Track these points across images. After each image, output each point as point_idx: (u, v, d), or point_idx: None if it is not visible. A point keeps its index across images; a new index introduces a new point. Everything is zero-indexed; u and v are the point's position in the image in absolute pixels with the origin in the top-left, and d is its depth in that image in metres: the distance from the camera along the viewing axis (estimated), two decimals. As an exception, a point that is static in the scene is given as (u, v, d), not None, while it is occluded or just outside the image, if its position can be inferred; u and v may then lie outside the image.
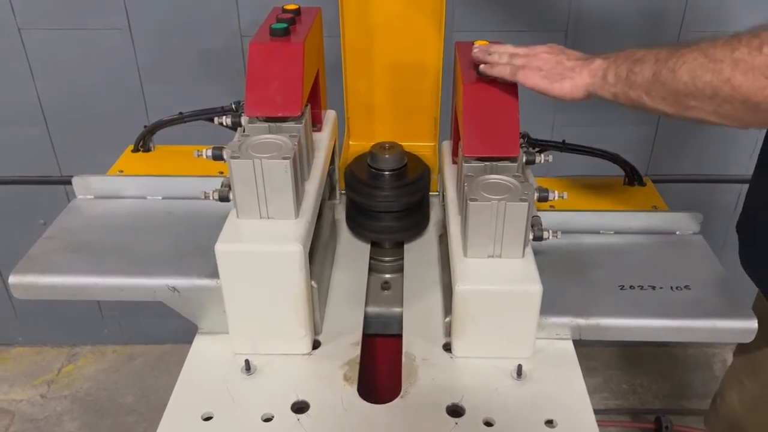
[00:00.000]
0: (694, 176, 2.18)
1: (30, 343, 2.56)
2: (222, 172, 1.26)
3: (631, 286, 1.09)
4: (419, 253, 1.25)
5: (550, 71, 1.00)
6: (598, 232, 1.24)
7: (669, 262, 1.15)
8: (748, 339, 1.02)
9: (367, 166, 1.24)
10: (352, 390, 0.97)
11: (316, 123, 1.25)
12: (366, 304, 1.14)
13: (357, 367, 1.01)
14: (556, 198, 1.02)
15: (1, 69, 1.98)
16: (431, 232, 1.31)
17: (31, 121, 2.07)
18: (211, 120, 1.23)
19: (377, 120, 1.45)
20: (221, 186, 1.01)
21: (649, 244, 1.21)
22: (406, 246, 1.27)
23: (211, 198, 1.01)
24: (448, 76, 1.32)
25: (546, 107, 2.02)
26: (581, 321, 1.02)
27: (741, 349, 1.30)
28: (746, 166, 2.12)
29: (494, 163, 1.03)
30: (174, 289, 1.04)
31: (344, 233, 1.31)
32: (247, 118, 1.07)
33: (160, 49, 1.95)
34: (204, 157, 1.02)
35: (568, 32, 1.91)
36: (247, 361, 1.00)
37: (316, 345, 1.06)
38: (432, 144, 1.45)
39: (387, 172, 1.22)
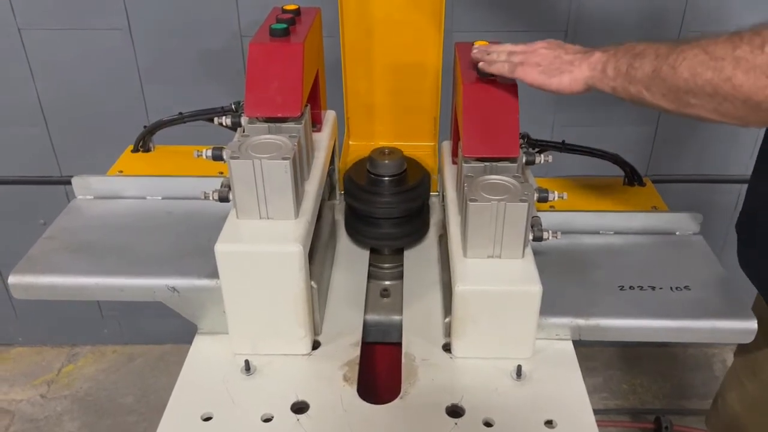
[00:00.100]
0: (693, 176, 2.18)
1: (30, 343, 2.56)
2: (222, 173, 1.26)
3: (630, 287, 1.09)
4: (419, 259, 1.24)
5: (548, 66, 1.00)
6: (597, 233, 1.23)
7: (669, 263, 1.15)
8: (748, 339, 1.02)
9: (366, 172, 1.22)
10: (352, 390, 0.97)
11: (316, 123, 1.25)
12: (365, 312, 1.12)
13: (356, 367, 1.01)
14: (556, 198, 1.02)
15: (1, 69, 1.98)
16: (431, 238, 1.30)
17: (31, 121, 2.07)
18: (211, 120, 1.23)
19: (377, 120, 1.45)
20: (221, 186, 1.01)
21: (649, 245, 1.21)
22: (405, 252, 1.25)
23: (210, 198, 1.01)
24: (448, 76, 1.32)
25: (546, 107, 2.03)
26: (581, 321, 1.02)
27: (741, 350, 1.30)
28: (746, 166, 2.12)
29: (494, 163, 1.03)
30: (174, 289, 1.04)
31: (343, 239, 1.30)
32: (247, 118, 1.07)
33: (160, 49, 1.95)
34: (204, 157, 1.02)
35: (567, 32, 1.91)
36: (246, 362, 1.00)
37: (315, 345, 1.06)
38: (432, 144, 1.45)
39: (386, 178, 1.20)
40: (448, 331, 1.04)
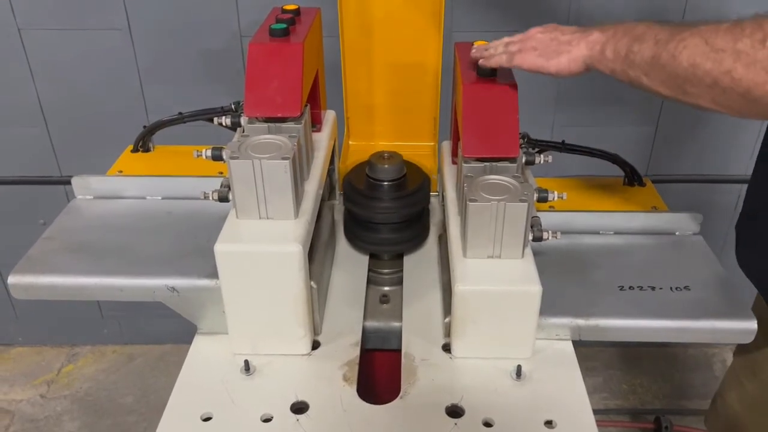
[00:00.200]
0: (693, 176, 2.18)
1: (30, 343, 2.56)
2: (221, 173, 1.26)
3: (630, 287, 1.09)
4: (419, 264, 1.23)
5: (545, 49, 1.00)
6: (597, 233, 1.23)
7: (669, 263, 1.15)
8: (748, 339, 1.02)
9: (365, 176, 1.21)
10: (352, 390, 0.97)
11: (316, 123, 1.25)
12: (364, 318, 1.11)
13: (356, 367, 1.01)
14: (556, 198, 1.02)
15: (1, 69, 1.98)
16: (431, 241, 1.29)
17: (31, 121, 2.07)
18: (211, 120, 1.23)
19: (377, 120, 1.45)
20: (221, 186, 1.01)
21: (649, 245, 1.20)
22: (405, 257, 1.24)
23: (210, 198, 1.01)
24: (447, 76, 1.32)
25: (546, 107, 2.03)
26: (581, 321, 1.02)
27: (741, 350, 1.30)
28: (746, 166, 2.12)
29: (494, 163, 1.03)
30: (173, 289, 1.04)
31: (342, 244, 1.29)
32: (247, 118, 1.07)
33: (160, 49, 1.95)
34: (203, 157, 1.02)
35: (568, 32, 1.91)
36: (246, 362, 1.00)
37: (315, 345, 1.06)
38: (431, 144, 1.45)
39: (386, 183, 1.19)
40: (447, 331, 1.04)
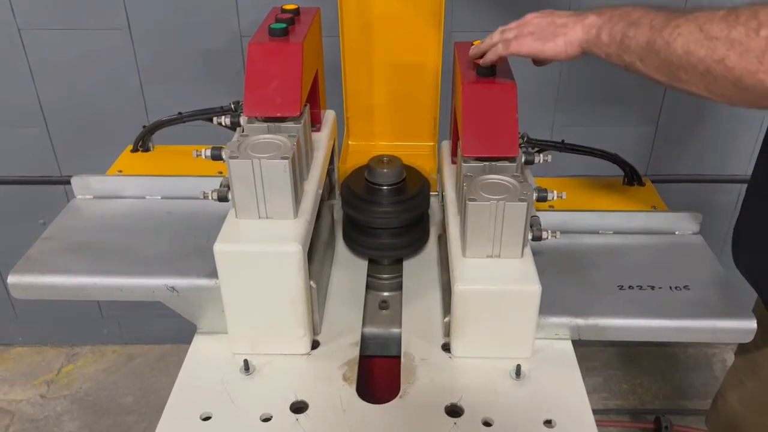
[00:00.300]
0: (693, 176, 2.18)
1: (30, 343, 2.56)
2: (221, 172, 1.26)
3: (630, 287, 1.09)
4: (419, 268, 1.21)
5: (542, 33, 1.00)
6: (597, 232, 1.23)
7: (668, 263, 1.15)
8: (747, 339, 1.02)
9: (364, 181, 1.20)
10: (351, 390, 0.97)
11: (315, 123, 1.25)
12: (363, 325, 1.10)
13: (356, 367, 1.01)
14: (555, 198, 1.02)
15: (1, 69, 1.98)
16: (431, 242, 1.28)
17: (31, 121, 2.07)
18: (210, 120, 1.23)
19: (377, 120, 1.45)
20: (220, 186, 1.01)
21: (649, 245, 1.20)
22: (405, 262, 1.23)
23: (210, 198, 1.01)
24: (447, 76, 1.32)
25: (546, 107, 2.03)
26: (580, 321, 1.02)
27: (742, 349, 1.29)
28: (746, 166, 2.12)
29: (493, 163, 1.03)
30: (173, 289, 1.04)
31: (341, 248, 1.28)
32: (246, 118, 1.07)
33: (160, 49, 1.95)
34: (203, 157, 1.02)
35: (567, 32, 1.91)
36: (245, 361, 1.00)
37: (315, 345, 1.06)
38: (431, 144, 1.45)
39: (385, 187, 1.18)
40: (447, 330, 1.04)
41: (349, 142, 1.47)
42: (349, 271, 1.22)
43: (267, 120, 1.06)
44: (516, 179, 1.00)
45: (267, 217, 1.00)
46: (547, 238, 1.00)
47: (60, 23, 1.91)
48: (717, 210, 2.06)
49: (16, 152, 2.14)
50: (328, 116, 1.33)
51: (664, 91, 1.99)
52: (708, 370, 2.44)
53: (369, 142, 1.46)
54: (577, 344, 1.05)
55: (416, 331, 1.07)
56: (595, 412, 0.94)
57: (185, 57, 1.96)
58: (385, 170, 1.18)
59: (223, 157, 0.99)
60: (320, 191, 1.13)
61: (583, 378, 1.00)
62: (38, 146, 2.12)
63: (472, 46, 1.13)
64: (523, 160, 1.06)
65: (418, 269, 1.22)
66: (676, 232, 1.23)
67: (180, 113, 1.37)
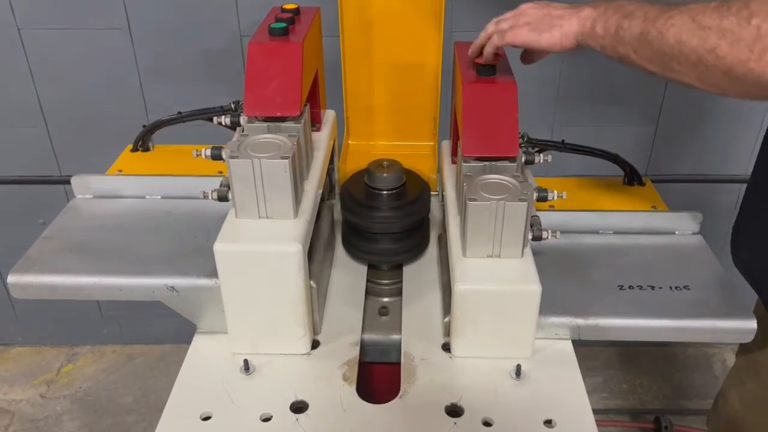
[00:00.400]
0: (693, 176, 2.18)
1: (30, 343, 2.56)
2: (221, 172, 1.26)
3: (630, 286, 1.09)
4: (419, 273, 1.20)
5: (538, 23, 1.00)
6: (597, 232, 1.23)
7: (668, 262, 1.15)
8: (747, 339, 1.02)
9: (364, 185, 1.19)
10: (351, 390, 0.97)
11: (315, 123, 1.25)
12: (363, 331, 1.09)
13: (356, 367, 1.01)
14: (556, 198, 1.02)
15: (1, 69, 1.98)
16: (431, 249, 1.27)
17: (31, 121, 2.07)
18: (210, 120, 1.23)
19: (377, 120, 1.45)
20: (220, 186, 1.01)
21: (649, 244, 1.20)
22: (405, 267, 1.22)
23: (210, 198, 1.01)
24: (447, 76, 1.32)
25: (546, 107, 2.02)
26: (580, 321, 1.02)
27: (743, 349, 1.29)
28: (746, 166, 2.12)
29: (493, 162, 1.03)
30: (173, 288, 1.04)
31: (341, 253, 1.27)
32: (246, 117, 1.07)
33: (160, 49, 1.95)
34: (203, 156, 1.02)
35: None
36: (245, 361, 1.00)
37: (315, 345, 1.06)
38: (431, 144, 1.45)
39: (385, 192, 1.17)
40: (447, 330, 1.04)
41: (349, 142, 1.47)
42: (348, 274, 1.21)
43: (267, 120, 1.06)
44: (516, 179, 1.00)
45: (267, 217, 1.00)
46: (548, 238, 1.00)
47: (60, 23, 1.91)
48: (717, 210, 2.05)
49: (16, 152, 2.14)
50: (328, 116, 1.33)
51: (664, 91, 1.99)
52: (708, 370, 2.44)
53: (369, 141, 1.46)
54: (577, 344, 1.05)
55: (416, 331, 1.07)
56: (595, 412, 0.94)
57: (185, 57, 1.96)
58: (384, 174, 1.17)
59: (223, 156, 0.99)
60: (320, 191, 1.13)
61: (583, 378, 1.00)
62: (38, 146, 2.12)
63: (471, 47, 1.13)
64: (523, 160, 1.06)
65: (418, 274, 1.21)
66: (676, 232, 1.23)
67: (180, 113, 1.37)
